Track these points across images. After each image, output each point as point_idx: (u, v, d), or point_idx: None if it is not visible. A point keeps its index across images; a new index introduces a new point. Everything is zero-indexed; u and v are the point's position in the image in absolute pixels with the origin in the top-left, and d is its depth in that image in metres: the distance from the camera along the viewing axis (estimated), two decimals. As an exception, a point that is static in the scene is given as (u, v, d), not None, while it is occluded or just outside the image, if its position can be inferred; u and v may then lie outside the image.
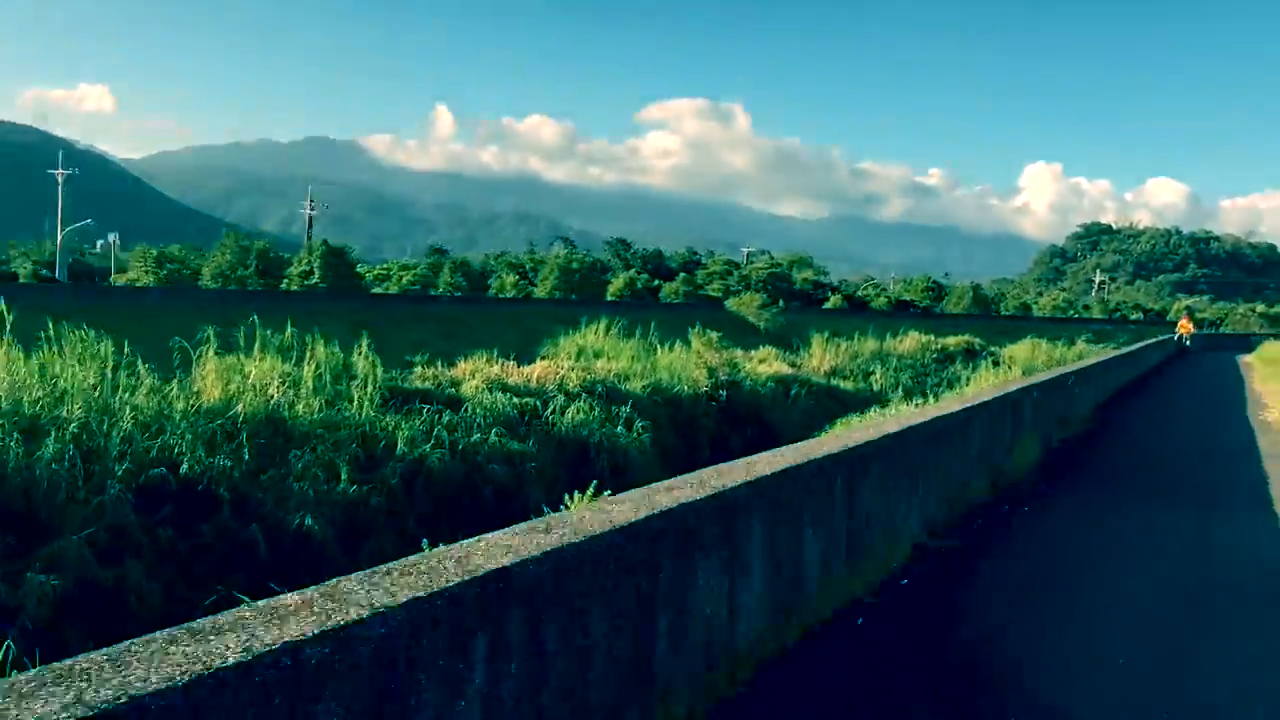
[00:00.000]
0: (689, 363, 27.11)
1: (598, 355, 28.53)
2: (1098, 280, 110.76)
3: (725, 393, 27.05)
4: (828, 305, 64.70)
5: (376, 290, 52.40)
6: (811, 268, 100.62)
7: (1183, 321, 55.48)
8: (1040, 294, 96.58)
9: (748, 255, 78.72)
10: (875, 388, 37.88)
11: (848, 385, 37.55)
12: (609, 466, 19.89)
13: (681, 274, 58.50)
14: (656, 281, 58.55)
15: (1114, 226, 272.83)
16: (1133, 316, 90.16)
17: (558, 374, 24.33)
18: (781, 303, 59.44)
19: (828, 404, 34.18)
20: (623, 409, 22.35)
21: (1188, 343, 52.31)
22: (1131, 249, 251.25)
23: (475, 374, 21.48)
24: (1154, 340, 47.32)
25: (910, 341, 45.70)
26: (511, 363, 23.97)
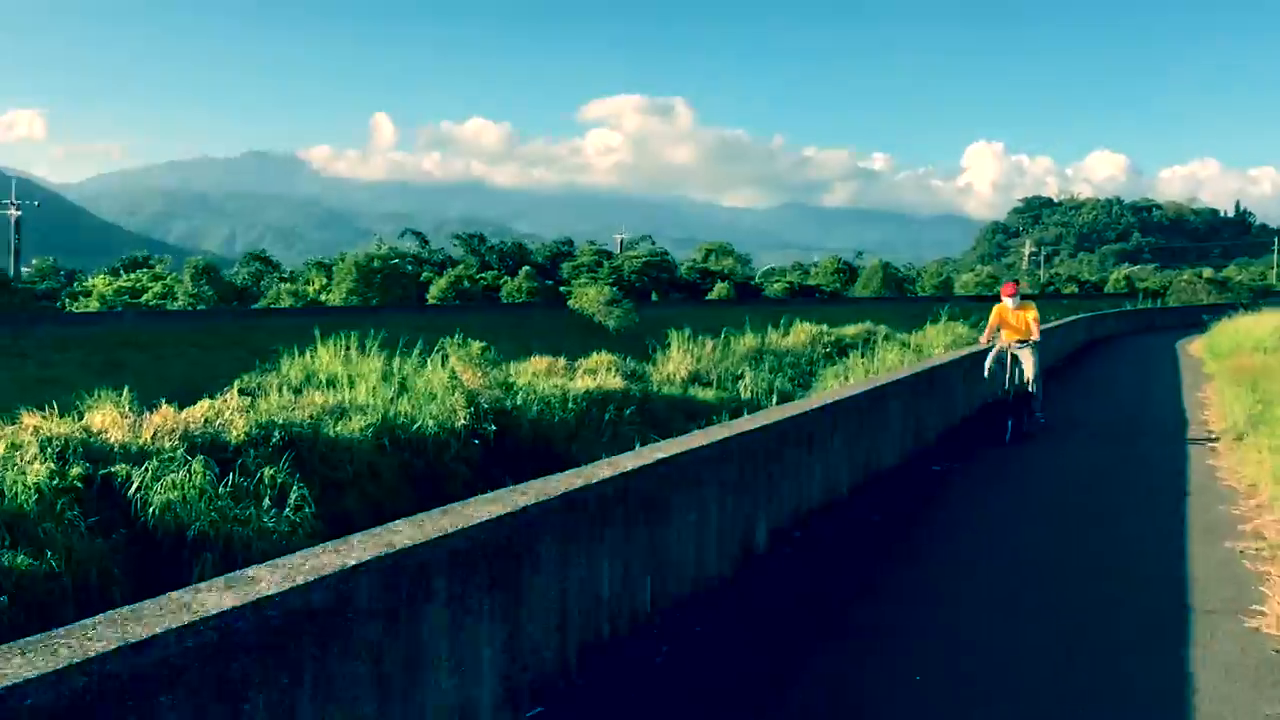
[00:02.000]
0: (441, 387, 20.23)
1: (332, 383, 21.64)
2: (1027, 251, 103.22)
3: (494, 425, 20.25)
4: (711, 295, 57.49)
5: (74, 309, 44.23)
6: (733, 256, 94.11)
7: (1002, 300, 16.61)
8: (989, 271, 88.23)
9: (621, 243, 71.43)
10: (745, 394, 31.27)
11: (709, 394, 30.87)
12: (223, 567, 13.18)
13: (525, 268, 51.06)
14: (504, 279, 51.19)
15: (1055, 200, 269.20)
16: (1067, 290, 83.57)
17: (218, 417, 17.47)
18: (654, 296, 52.59)
19: (677, 420, 27.41)
20: (278, 474, 15.50)
21: (1019, 356, 15.96)
22: (1074, 221, 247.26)
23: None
24: (1066, 320, 37.01)
25: (801, 334, 39.14)
26: (140, 410, 17.02)
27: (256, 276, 49.73)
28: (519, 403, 21.35)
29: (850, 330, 41.38)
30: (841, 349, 39.08)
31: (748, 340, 37.32)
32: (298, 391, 20.72)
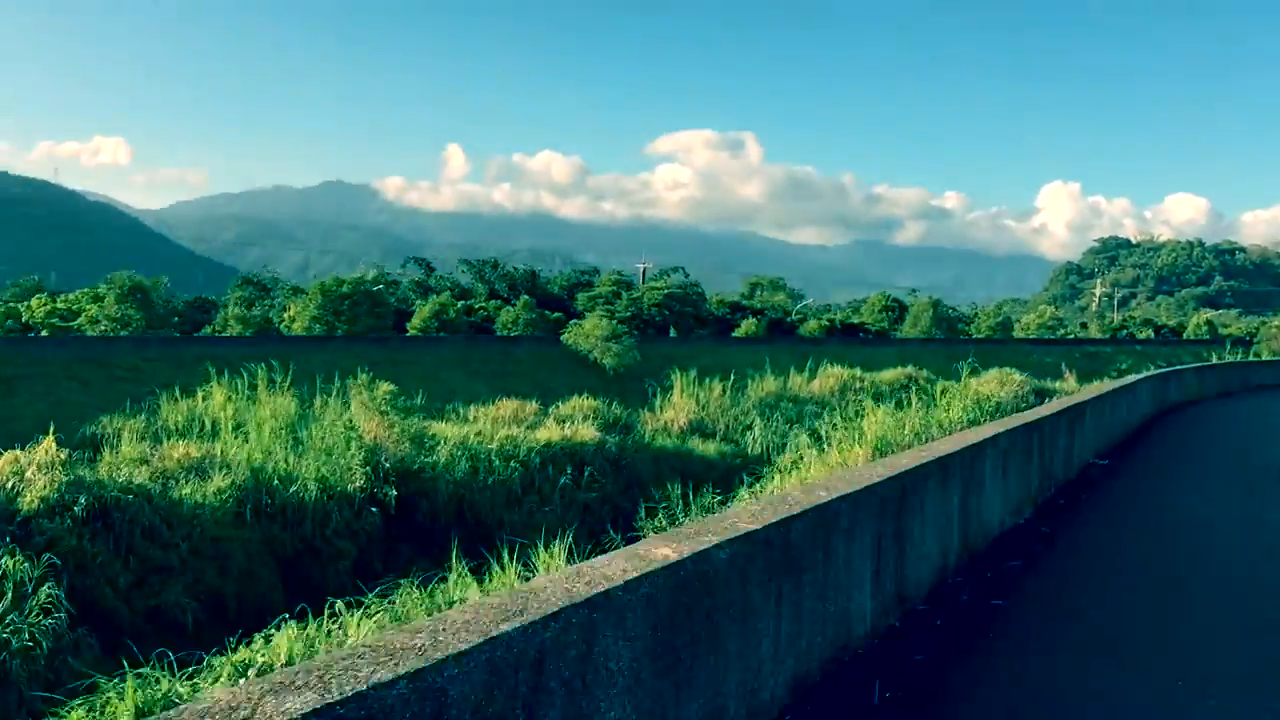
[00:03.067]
0: (338, 439, 16.43)
1: (216, 433, 17.97)
2: (1098, 292, 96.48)
3: (396, 490, 16.41)
4: (738, 332, 52.84)
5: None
6: (784, 291, 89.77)
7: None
8: (1052, 311, 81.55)
9: (644, 273, 67.05)
10: (754, 448, 27.16)
11: (710, 448, 26.78)
12: None
13: (524, 298, 46.96)
14: (492, 308, 47.08)
15: (1133, 240, 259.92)
16: (1142, 335, 77.22)
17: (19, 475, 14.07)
18: (673, 332, 48.05)
19: (666, 479, 23.28)
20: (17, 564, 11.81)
21: None
22: (1152, 263, 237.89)
23: None
24: (1123, 383, 26.00)
25: (829, 378, 34.83)
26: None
27: (249, 302, 46.53)
28: (438, 460, 17.45)
29: (888, 375, 36.97)
30: (878, 396, 34.73)
31: (767, 384, 33.16)
32: (168, 438, 17.08)
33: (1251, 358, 48.98)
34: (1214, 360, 45.18)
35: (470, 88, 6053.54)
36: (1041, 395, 44.61)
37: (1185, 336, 79.20)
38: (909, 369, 37.83)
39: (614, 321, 41.30)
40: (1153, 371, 32.47)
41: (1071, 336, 73.68)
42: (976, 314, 76.69)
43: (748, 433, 27.61)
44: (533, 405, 24.63)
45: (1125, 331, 76.43)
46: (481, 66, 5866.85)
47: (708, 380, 30.69)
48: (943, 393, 33.62)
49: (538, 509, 18.24)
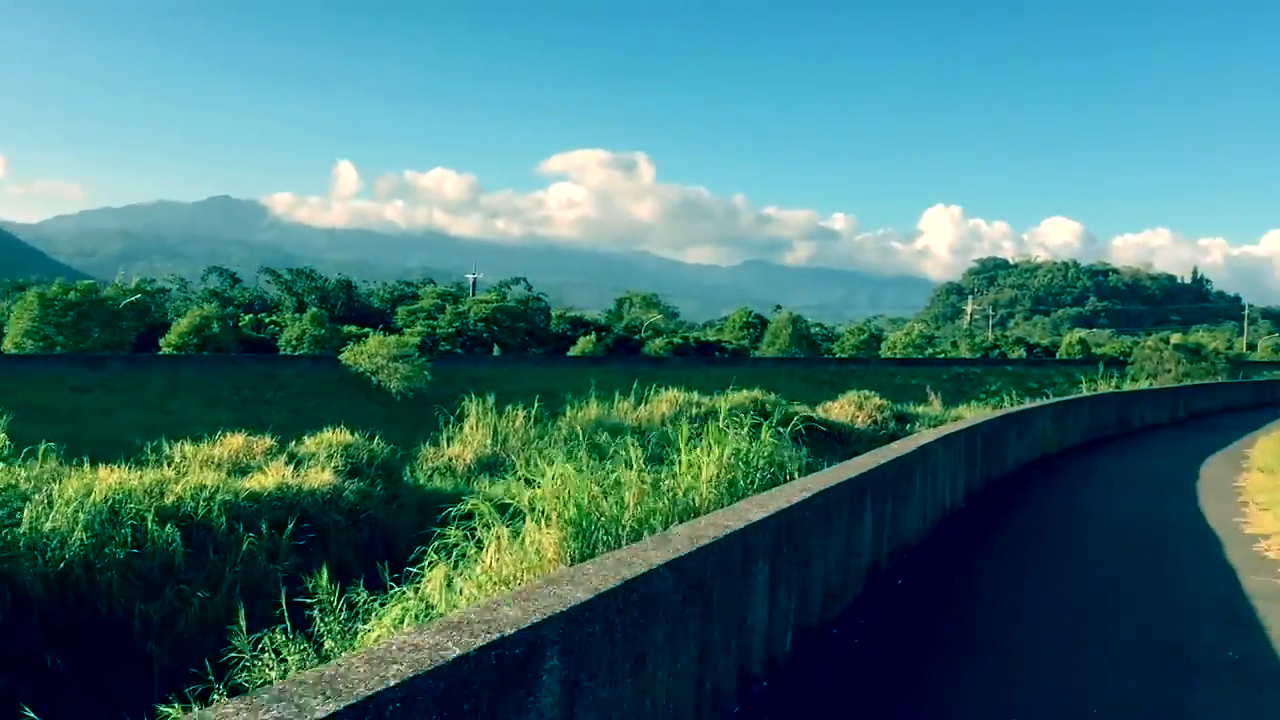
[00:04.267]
0: None
1: None
2: (969, 309, 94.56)
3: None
4: (574, 351, 48.45)
5: None
6: (657, 307, 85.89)
7: None
8: (921, 329, 78.01)
9: (474, 284, 62.49)
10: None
11: (499, 489, 22.19)
12: None
13: (311, 310, 41.99)
14: (286, 320, 42.01)
15: (1011, 261, 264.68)
16: (1014, 354, 75.18)
17: None
18: (496, 350, 43.42)
19: (401, 541, 18.78)
20: None
21: None
22: (1029, 284, 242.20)
23: None
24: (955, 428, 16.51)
25: (661, 404, 30.79)
26: None
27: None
28: (37, 528, 12.71)
29: (733, 399, 33.12)
30: (693, 420, 30.84)
31: (589, 410, 28.95)
32: None
33: (1128, 384, 41.96)
34: (1083, 386, 36.71)
35: (362, 103, 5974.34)
36: (903, 421, 41.35)
37: (1059, 356, 77.59)
38: (756, 392, 34.03)
39: (402, 337, 36.40)
40: (980, 420, 19.25)
41: (941, 356, 71.18)
42: (843, 333, 73.62)
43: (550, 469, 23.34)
44: (265, 441, 19.94)
45: (997, 351, 74.42)
46: (373, 82, 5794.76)
47: (515, 406, 26.35)
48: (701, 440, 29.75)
49: (195, 592, 13.59)
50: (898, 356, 65.14)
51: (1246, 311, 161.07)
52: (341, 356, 36.93)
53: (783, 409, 34.69)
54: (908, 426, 37.24)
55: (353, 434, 21.07)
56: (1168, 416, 34.48)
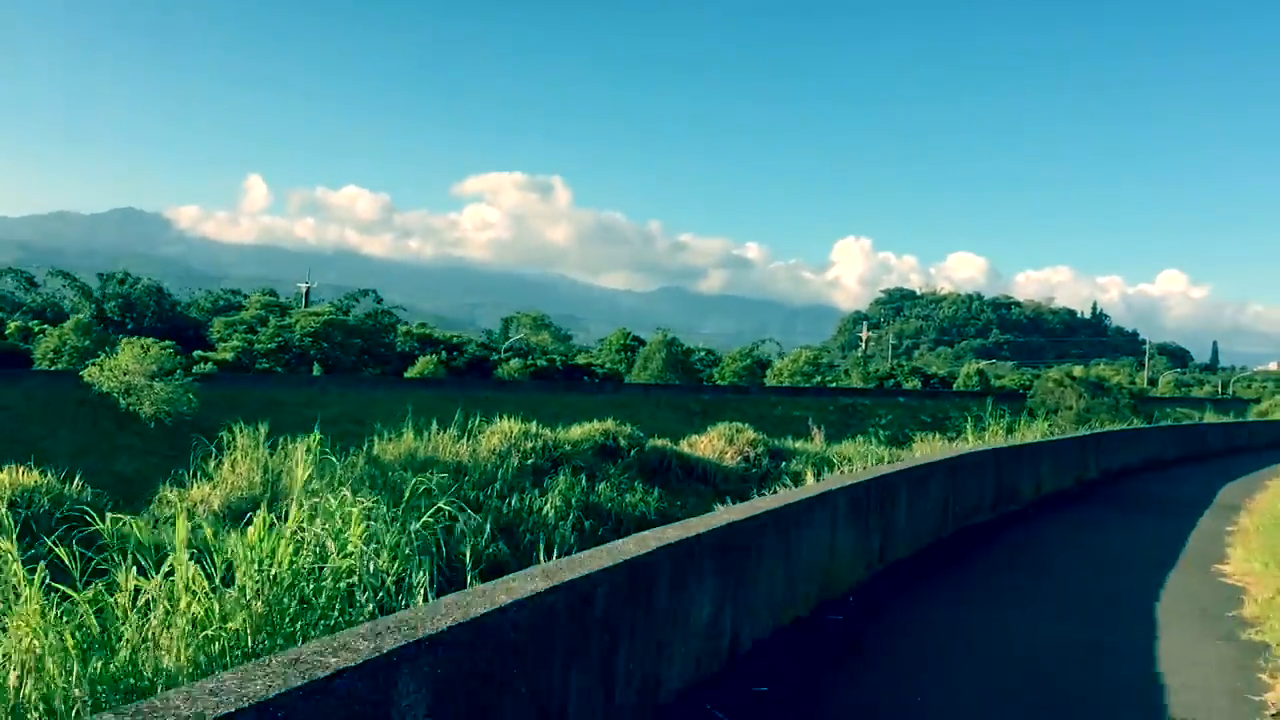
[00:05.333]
0: None
1: None
2: (864, 336, 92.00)
3: None
4: (411, 372, 43.85)
5: None
6: (549, 329, 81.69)
7: None
8: (809, 355, 73.50)
9: (306, 292, 57.82)
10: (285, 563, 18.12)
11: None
12: None
13: (76, 317, 37.28)
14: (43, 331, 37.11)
15: (918, 293, 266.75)
16: (909, 384, 72.34)
17: None
18: (317, 370, 39.01)
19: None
20: None
21: None
22: (935, 315, 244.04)
23: None
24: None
25: (493, 436, 26.72)
26: None
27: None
28: None
29: (577, 432, 29.20)
30: (557, 461, 26.81)
31: (405, 442, 24.72)
32: None
33: (1021, 428, 24.39)
34: (967, 432, 24.61)
35: (272, 116, 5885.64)
36: (778, 458, 37.82)
37: (955, 387, 75.08)
38: (609, 423, 30.12)
39: (153, 352, 31.14)
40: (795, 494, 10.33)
41: (831, 384, 67.82)
42: (724, 358, 69.68)
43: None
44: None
45: (892, 380, 71.49)
46: (284, 96, 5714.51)
47: (298, 437, 21.99)
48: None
49: None
50: (784, 385, 61.29)
51: (1147, 347, 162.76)
52: (84, 373, 31.32)
53: (640, 443, 30.89)
54: (783, 464, 33.68)
55: (56, 472, 16.59)
56: (1074, 478, 22.92)
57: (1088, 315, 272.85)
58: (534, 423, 28.05)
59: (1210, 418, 67.17)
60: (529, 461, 25.87)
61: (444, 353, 45.30)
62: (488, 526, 20.54)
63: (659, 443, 32.44)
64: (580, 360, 54.81)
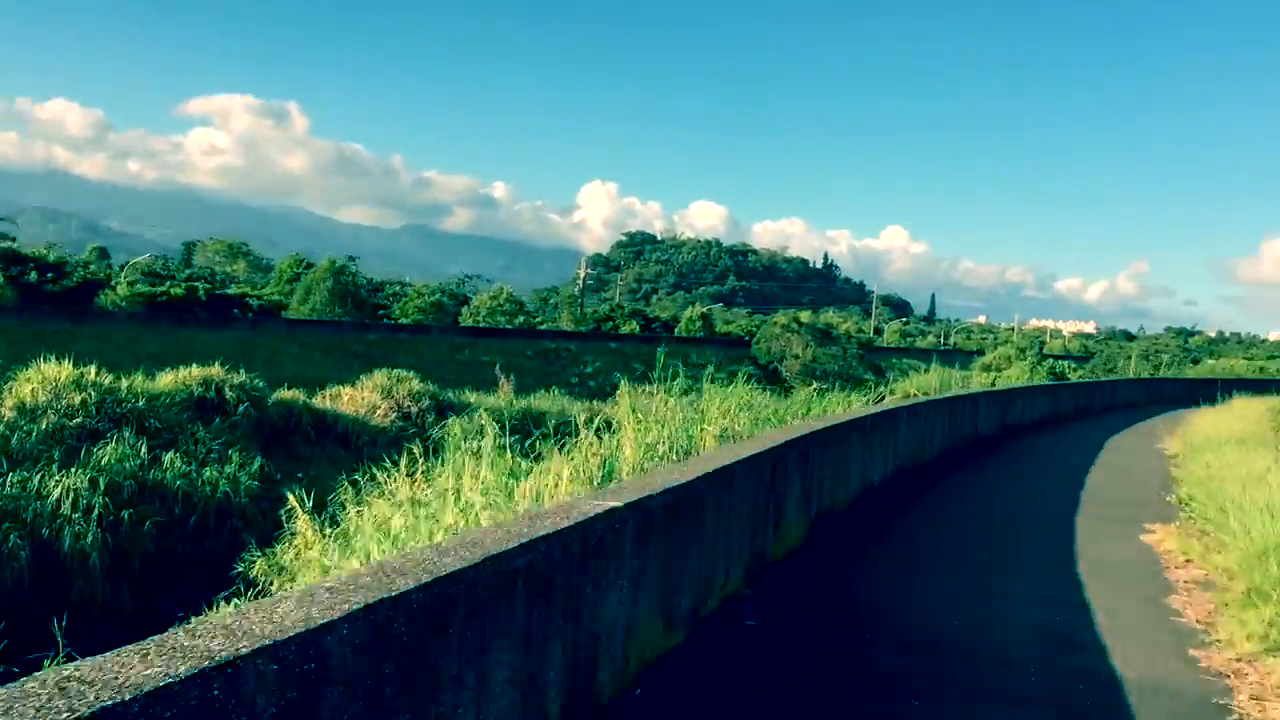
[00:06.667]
0: None
1: None
2: (582, 274, 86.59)
3: None
4: None
5: None
6: (246, 257, 72.67)
7: None
8: (509, 293, 65.88)
9: None
10: None
11: None
12: None
13: None
14: None
15: (658, 237, 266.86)
16: (626, 328, 67.99)
17: None
18: None
19: None
20: None
21: None
22: (674, 259, 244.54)
23: None
24: None
25: (26, 385, 19.91)
26: None
27: None
28: None
29: (167, 380, 22.66)
30: (117, 422, 20.22)
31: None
32: None
33: (707, 399, 16.98)
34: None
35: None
36: (444, 411, 32.38)
37: (678, 332, 71.50)
38: (214, 369, 23.70)
39: None
40: None
41: (540, 326, 62.30)
42: (406, 291, 62.02)
43: None
44: None
45: (610, 324, 66.98)
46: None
47: None
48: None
49: None
50: (481, 325, 55.05)
51: (873, 297, 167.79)
52: None
53: (260, 396, 24.69)
54: (450, 418, 28.23)
55: None
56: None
57: (819, 265, 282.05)
58: (105, 372, 21.30)
59: (936, 375, 66.27)
60: (74, 421, 19.21)
61: (35, 274, 36.19)
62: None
63: (287, 395, 26.31)
64: (234, 291, 46.38)
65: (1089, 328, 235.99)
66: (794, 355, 63.36)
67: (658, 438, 10.76)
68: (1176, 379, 66.52)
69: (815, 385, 22.10)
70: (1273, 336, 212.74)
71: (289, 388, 27.29)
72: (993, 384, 46.25)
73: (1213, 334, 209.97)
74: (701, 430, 11.76)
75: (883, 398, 22.03)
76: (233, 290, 46.27)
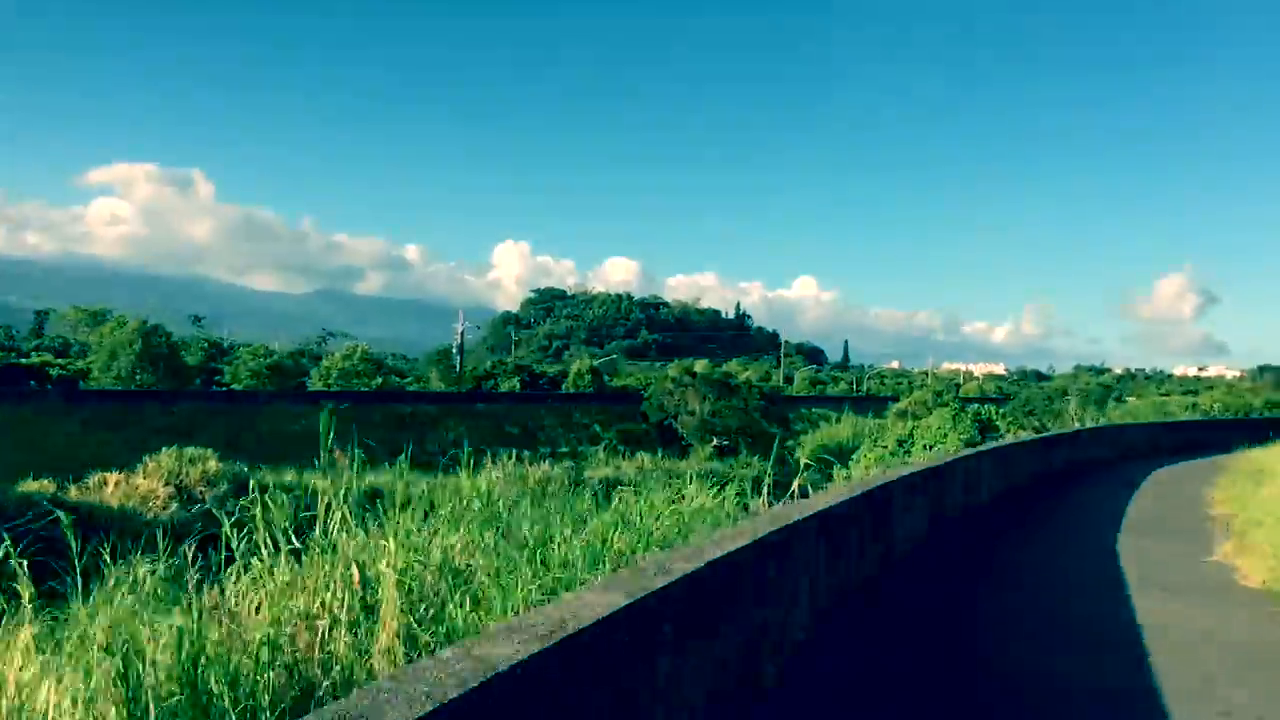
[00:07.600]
0: None
1: None
2: (459, 329, 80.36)
3: None
4: None
5: None
6: (131, 323, 66.73)
7: None
8: (364, 350, 59.42)
9: None
10: None
11: None
12: None
13: None
14: None
15: (568, 292, 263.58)
16: (506, 385, 62.73)
17: None
18: None
19: None
20: None
21: None
22: (585, 315, 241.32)
23: None
24: None
25: None
26: None
27: None
28: None
29: None
30: None
31: None
32: None
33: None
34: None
35: None
36: (242, 492, 27.68)
37: (565, 388, 66.60)
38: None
39: None
40: None
41: (412, 389, 56.68)
42: (238, 351, 56.24)
43: None
44: None
45: (491, 382, 61.67)
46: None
47: None
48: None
49: None
50: (332, 389, 49.27)
51: (784, 346, 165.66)
52: None
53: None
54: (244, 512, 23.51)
55: None
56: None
57: (731, 316, 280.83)
58: None
59: (848, 426, 62.26)
60: None
61: None
62: None
63: (33, 487, 21.37)
64: (35, 360, 40.10)
65: (999, 369, 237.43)
66: (689, 411, 58.90)
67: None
68: (1205, 421, 57.94)
69: (715, 443, 18.61)
70: (1177, 371, 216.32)
71: (51, 475, 22.38)
72: (910, 434, 41.02)
73: (1120, 370, 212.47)
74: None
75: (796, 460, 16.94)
76: (35, 359, 40.23)
